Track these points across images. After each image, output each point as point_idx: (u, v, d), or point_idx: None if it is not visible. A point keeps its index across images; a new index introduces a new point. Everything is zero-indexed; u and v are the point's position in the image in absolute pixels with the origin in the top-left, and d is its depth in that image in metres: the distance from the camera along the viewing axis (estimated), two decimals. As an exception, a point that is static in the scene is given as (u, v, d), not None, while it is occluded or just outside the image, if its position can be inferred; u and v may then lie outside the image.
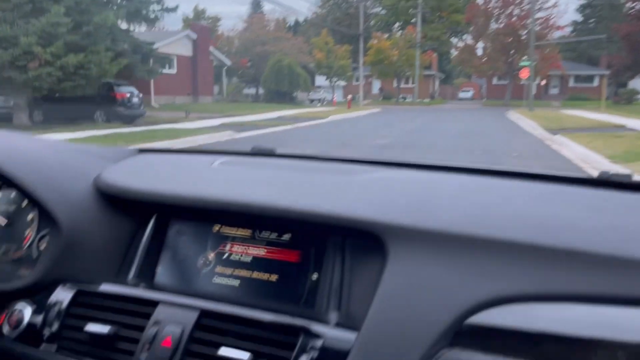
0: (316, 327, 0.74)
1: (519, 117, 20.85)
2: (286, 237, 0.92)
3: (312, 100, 40.53)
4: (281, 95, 35.24)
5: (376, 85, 49.88)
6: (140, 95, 17.24)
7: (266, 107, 26.77)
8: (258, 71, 36.57)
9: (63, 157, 1.03)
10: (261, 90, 37.61)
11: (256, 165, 1.16)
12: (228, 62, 34.23)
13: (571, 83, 44.23)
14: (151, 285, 0.93)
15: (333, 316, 0.81)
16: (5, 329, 0.86)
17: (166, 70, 25.95)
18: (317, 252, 0.89)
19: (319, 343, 0.73)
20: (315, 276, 0.88)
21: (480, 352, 0.70)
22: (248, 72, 38.46)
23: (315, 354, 0.72)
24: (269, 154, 1.33)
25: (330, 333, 0.74)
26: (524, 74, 28.44)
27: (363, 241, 0.85)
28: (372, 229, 0.81)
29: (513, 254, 0.74)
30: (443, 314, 0.71)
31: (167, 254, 0.97)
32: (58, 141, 1.15)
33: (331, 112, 23.37)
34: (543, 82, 40.66)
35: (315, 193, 0.91)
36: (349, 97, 33.77)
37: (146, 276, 0.95)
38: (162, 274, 0.96)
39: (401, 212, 0.83)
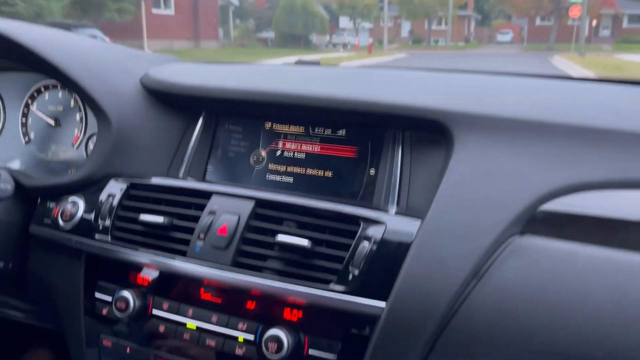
0: (377, 215, 0.71)
1: (568, 65, 16.77)
2: (341, 132, 0.87)
3: (334, 45, 37.14)
4: (295, 39, 31.16)
5: (406, 28, 46.45)
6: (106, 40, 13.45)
7: (276, 53, 22.46)
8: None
9: (111, 56, 1.00)
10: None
11: (305, 68, 1.11)
12: (236, 2, 30.44)
13: (625, 23, 39.84)
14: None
15: (392, 210, 0.78)
16: (60, 221, 0.86)
17: (161, 11, 22.50)
18: (374, 147, 0.85)
19: (380, 230, 0.69)
20: (372, 171, 0.84)
21: (553, 239, 0.66)
22: (266, 13, 35.66)
23: (377, 240, 0.69)
24: (315, 63, 1.27)
25: (393, 220, 0.70)
26: (575, 12, 25.76)
27: (424, 133, 0.81)
28: (437, 118, 0.76)
29: (590, 140, 0.69)
30: (515, 201, 0.67)
31: (218, 151, 0.95)
32: (105, 42, 1.11)
33: (345, 59, 20.74)
34: (594, 23, 37.64)
35: (374, 85, 0.86)
36: (370, 40, 29.99)
37: (196, 174, 0.93)
38: (213, 171, 0.94)
39: (467, 99, 0.78)
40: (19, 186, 0.88)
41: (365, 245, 0.68)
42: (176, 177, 0.92)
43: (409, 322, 0.64)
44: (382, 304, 0.65)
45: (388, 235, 0.69)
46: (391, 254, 0.68)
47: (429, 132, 0.80)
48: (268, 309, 0.72)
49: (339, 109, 0.83)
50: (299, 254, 0.72)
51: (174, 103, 0.96)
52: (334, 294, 0.67)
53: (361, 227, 0.70)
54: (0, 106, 1.08)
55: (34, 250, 0.91)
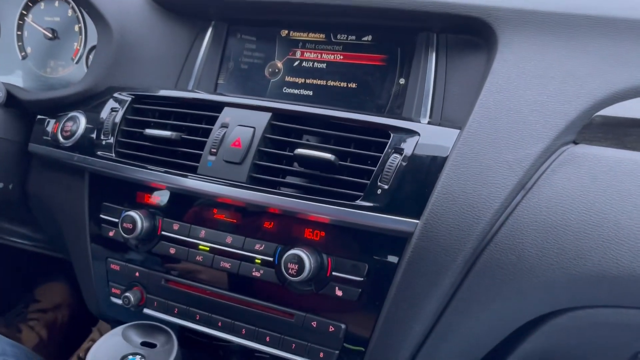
0: (409, 125, 0.63)
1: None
2: (367, 38, 0.78)
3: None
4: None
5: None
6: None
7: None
8: None
9: None
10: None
11: None
12: None
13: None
14: None
15: (424, 121, 0.69)
16: (60, 138, 0.79)
17: None
18: (404, 54, 0.76)
19: (413, 141, 0.61)
20: (402, 80, 0.75)
21: (611, 147, 0.58)
22: None
23: (409, 152, 0.60)
24: None
25: (427, 130, 0.62)
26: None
27: (462, 34, 0.71)
28: (478, 15, 0.66)
29: None
30: (569, 106, 0.58)
31: (229, 64, 0.86)
32: None
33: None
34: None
35: None
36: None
37: (206, 88, 0.85)
38: (224, 85, 0.86)
39: None
40: (15, 100, 0.80)
41: (396, 158, 0.61)
42: (181, 89, 0.84)
43: (446, 240, 0.57)
44: (414, 221, 0.58)
45: (422, 146, 0.61)
46: (425, 167, 0.60)
47: (467, 33, 0.70)
48: (287, 229, 0.65)
49: (367, 10, 0.73)
50: (321, 169, 0.64)
51: (182, 10, 0.87)
52: (361, 211, 0.60)
53: (391, 138, 0.62)
54: (-7, 18, 0.99)
55: (34, 170, 0.85)
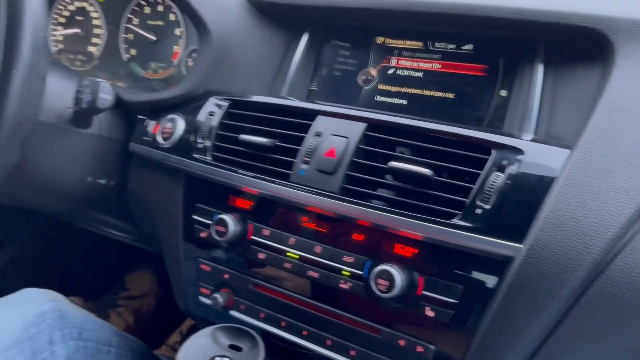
0: (514, 142, 0.59)
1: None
2: (468, 47, 0.75)
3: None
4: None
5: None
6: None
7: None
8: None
9: None
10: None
11: None
12: None
13: None
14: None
15: (527, 137, 0.65)
16: (159, 139, 0.82)
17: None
18: (508, 64, 0.72)
19: (517, 159, 0.58)
20: (503, 92, 0.71)
21: None
22: None
23: (512, 171, 0.57)
24: None
25: (533, 148, 0.58)
26: None
27: (574, 45, 0.67)
28: (594, 25, 0.62)
29: None
30: None
31: (322, 70, 0.86)
32: None
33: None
34: None
35: None
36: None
37: (299, 94, 0.86)
38: (317, 91, 0.86)
39: (632, 4, 0.62)
40: (119, 101, 0.84)
41: (498, 177, 0.58)
42: (275, 95, 0.84)
43: (551, 268, 0.53)
44: (517, 245, 0.55)
45: (527, 165, 0.57)
46: (530, 188, 0.56)
47: (580, 44, 0.66)
48: (378, 242, 0.64)
49: (468, 18, 0.70)
50: (416, 183, 0.62)
51: (278, 17, 0.88)
52: (459, 231, 0.57)
53: (493, 155, 0.59)
54: (103, 22, 1.05)
55: (134, 168, 0.88)
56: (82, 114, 0.75)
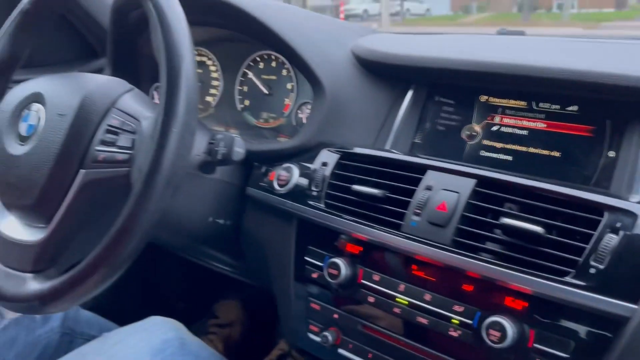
0: (627, 206, 0.62)
1: None
2: (572, 108, 0.78)
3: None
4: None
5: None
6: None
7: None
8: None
9: (324, 26, 1.02)
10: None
11: (515, 39, 1.02)
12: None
13: None
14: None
15: (635, 199, 0.67)
16: (275, 185, 0.90)
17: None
18: (615, 126, 0.75)
19: (631, 222, 0.60)
20: (611, 153, 0.74)
21: None
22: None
23: (627, 233, 0.60)
24: (519, 33, 1.17)
25: (648, 212, 0.61)
26: None
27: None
28: None
29: None
30: None
31: (426, 125, 0.92)
32: (313, 12, 1.14)
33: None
34: None
35: (615, 57, 0.76)
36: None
37: (403, 147, 0.91)
38: (420, 145, 0.91)
39: None
40: None
41: (612, 238, 0.60)
42: (382, 148, 0.91)
43: (669, 330, 0.55)
44: (632, 306, 0.57)
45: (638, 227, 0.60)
46: (645, 251, 0.59)
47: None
48: (488, 294, 0.68)
49: (573, 83, 0.74)
50: (527, 240, 0.66)
51: (385, 74, 0.95)
52: (572, 289, 0.60)
53: (606, 217, 0.62)
54: (220, 75, 1.16)
55: (249, 210, 0.97)
56: (214, 164, 0.84)
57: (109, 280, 0.64)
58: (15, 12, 0.81)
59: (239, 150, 0.81)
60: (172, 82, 0.64)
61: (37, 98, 0.74)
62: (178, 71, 0.64)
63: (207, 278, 1.60)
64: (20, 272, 0.71)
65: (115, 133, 0.68)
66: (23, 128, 0.73)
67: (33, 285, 0.68)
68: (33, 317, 0.99)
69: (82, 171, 0.68)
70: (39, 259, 0.70)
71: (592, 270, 0.60)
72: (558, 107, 0.80)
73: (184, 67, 0.64)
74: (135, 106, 0.71)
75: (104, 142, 0.68)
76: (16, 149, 0.72)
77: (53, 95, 0.72)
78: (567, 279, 0.61)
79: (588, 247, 0.61)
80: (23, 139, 0.72)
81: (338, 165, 0.86)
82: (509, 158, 0.82)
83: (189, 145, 0.65)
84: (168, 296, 1.58)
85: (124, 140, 0.68)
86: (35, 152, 0.70)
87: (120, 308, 1.45)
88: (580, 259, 0.61)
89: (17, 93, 0.76)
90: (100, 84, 0.73)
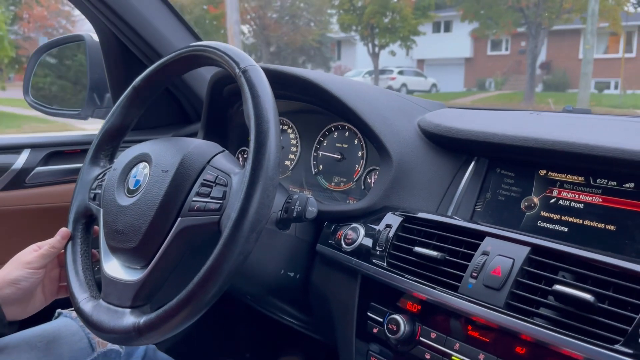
0: (677, 279, 0.65)
1: None
2: (629, 185, 0.82)
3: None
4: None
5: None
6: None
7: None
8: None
9: (393, 102, 1.12)
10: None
11: (579, 118, 1.07)
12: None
13: None
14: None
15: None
16: (343, 244, 0.98)
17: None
18: (670, 204, 0.78)
19: (680, 295, 0.63)
20: (667, 229, 0.77)
21: None
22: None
23: (676, 306, 0.63)
24: (586, 111, 1.22)
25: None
26: None
27: None
28: None
29: None
30: None
31: (487, 194, 0.98)
32: (383, 89, 1.25)
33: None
34: None
35: None
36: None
37: (464, 214, 0.98)
38: (481, 213, 0.97)
39: None
40: None
41: (660, 309, 0.63)
42: (444, 214, 0.97)
43: None
44: (680, 376, 0.59)
45: (690, 302, 0.63)
46: (694, 324, 0.61)
47: None
48: (539, 358, 0.71)
49: (630, 162, 0.79)
50: (578, 307, 0.69)
51: (449, 146, 1.03)
52: (620, 356, 0.63)
53: (655, 287, 0.65)
54: (298, 142, 1.29)
55: (318, 266, 1.05)
56: (290, 221, 0.94)
57: (197, 315, 0.73)
58: (129, 89, 0.97)
59: (312, 209, 0.91)
60: (259, 142, 0.74)
61: (145, 158, 0.87)
62: (266, 133, 0.74)
63: (274, 332, 1.68)
64: (119, 308, 0.80)
65: (209, 186, 0.79)
66: (131, 183, 0.86)
67: (130, 319, 0.78)
68: (119, 352, 1.10)
69: (180, 219, 0.79)
70: (137, 297, 0.80)
71: (641, 340, 0.63)
72: (615, 183, 0.84)
73: (270, 130, 0.74)
74: (227, 164, 0.83)
75: (199, 194, 0.79)
76: (125, 200, 0.84)
77: (158, 155, 0.85)
78: (617, 346, 0.64)
79: (638, 317, 0.64)
80: (131, 192, 0.84)
81: (401, 228, 0.93)
82: (565, 229, 0.86)
83: (271, 197, 0.74)
84: (237, 345, 1.66)
85: (216, 192, 0.78)
86: (141, 203, 0.82)
87: (194, 352, 1.55)
88: (630, 328, 0.64)
89: (128, 154, 0.90)
90: (198, 145, 0.85)
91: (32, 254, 0.93)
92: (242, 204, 0.71)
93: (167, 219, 0.79)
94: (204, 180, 0.80)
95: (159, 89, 0.97)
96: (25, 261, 0.92)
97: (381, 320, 0.88)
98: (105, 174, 0.94)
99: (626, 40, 20.12)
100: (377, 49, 21.68)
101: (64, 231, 0.95)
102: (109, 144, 0.99)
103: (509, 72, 22.18)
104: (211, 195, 0.78)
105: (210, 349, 1.41)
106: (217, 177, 0.80)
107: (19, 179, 1.31)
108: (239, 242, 0.70)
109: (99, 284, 0.88)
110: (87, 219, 0.96)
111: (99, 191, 0.92)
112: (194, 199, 0.79)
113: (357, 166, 1.16)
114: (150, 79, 0.94)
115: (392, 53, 22.35)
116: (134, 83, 0.95)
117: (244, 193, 0.71)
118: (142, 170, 0.86)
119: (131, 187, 0.85)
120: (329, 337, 1.05)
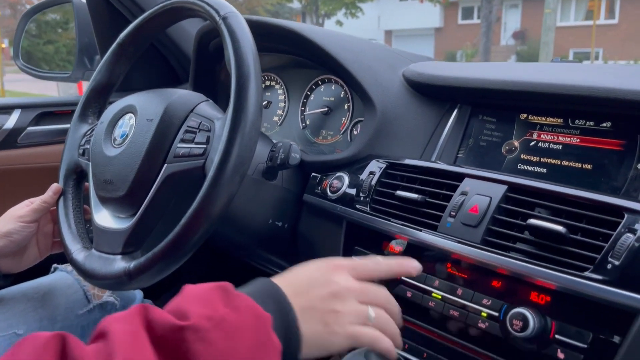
0: (646, 208, 0.67)
1: None
2: (606, 124, 0.84)
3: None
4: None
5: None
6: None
7: None
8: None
9: (376, 52, 1.13)
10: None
11: (564, 65, 1.08)
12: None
13: None
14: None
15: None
16: (328, 192, 1.00)
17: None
18: (645, 141, 0.79)
19: (648, 223, 0.65)
20: (640, 165, 0.78)
21: None
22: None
23: (643, 233, 0.64)
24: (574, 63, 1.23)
25: (665, 215, 0.65)
26: None
27: None
28: None
29: None
30: None
31: (469, 140, 0.99)
32: (368, 40, 1.25)
33: None
34: None
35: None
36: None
37: (447, 160, 0.99)
38: (463, 159, 0.99)
39: None
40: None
41: (629, 237, 0.65)
42: (427, 160, 0.99)
43: (678, 321, 0.59)
44: (644, 298, 0.61)
45: (658, 229, 0.64)
46: (660, 249, 0.63)
47: None
48: (514, 289, 0.73)
49: (606, 100, 0.80)
50: (551, 239, 0.71)
51: (432, 94, 1.04)
52: (590, 282, 0.65)
53: (625, 218, 0.67)
54: (286, 97, 1.29)
55: (305, 215, 1.07)
56: (274, 169, 0.95)
57: (184, 258, 0.75)
58: (114, 45, 0.97)
59: (295, 155, 0.92)
60: (240, 85, 0.75)
61: (130, 109, 0.88)
62: (247, 77, 0.75)
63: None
64: (110, 255, 0.83)
65: (193, 132, 0.80)
66: (118, 134, 0.87)
67: (121, 264, 0.80)
68: (114, 304, 1.13)
69: (166, 165, 0.80)
70: (127, 243, 0.82)
71: (609, 266, 0.65)
72: (592, 123, 0.85)
73: (250, 73, 0.75)
74: (210, 111, 0.84)
75: (183, 140, 0.80)
76: (112, 151, 0.86)
77: (143, 106, 0.86)
78: (586, 273, 0.66)
79: (606, 245, 0.66)
80: (118, 143, 0.86)
81: (384, 174, 0.95)
82: (544, 170, 0.88)
83: (254, 139, 0.75)
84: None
85: (200, 137, 0.80)
86: (128, 152, 0.83)
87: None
88: (599, 256, 0.66)
89: (114, 107, 0.91)
90: (182, 94, 0.86)
91: (24, 208, 0.95)
92: (224, 147, 0.72)
93: (153, 166, 0.80)
94: (188, 127, 0.81)
95: (144, 44, 0.97)
96: (17, 215, 0.93)
97: (365, 263, 0.91)
98: (93, 130, 0.96)
99: (608, 6, 19.31)
100: (320, 20, 20.63)
101: (55, 187, 0.97)
102: (97, 101, 1.00)
103: (478, 42, 20.09)
104: (195, 140, 0.80)
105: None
106: (200, 123, 0.81)
107: (11, 139, 1.32)
108: (223, 183, 0.72)
109: (91, 237, 0.90)
110: (78, 175, 0.97)
111: (88, 146, 0.94)
112: (179, 145, 0.80)
113: (343, 119, 1.17)
114: (134, 34, 0.95)
115: (339, 23, 21.04)
116: (118, 39, 0.96)
117: (226, 136, 0.72)
118: (127, 121, 0.87)
119: (118, 138, 0.86)
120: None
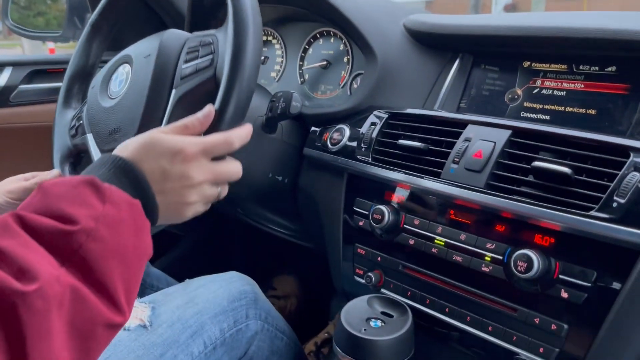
0: (652, 147, 0.66)
1: None
2: (611, 69, 0.83)
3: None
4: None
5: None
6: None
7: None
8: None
9: (377, 2, 1.10)
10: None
11: (568, 13, 1.06)
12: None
13: None
14: None
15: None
16: (329, 145, 0.99)
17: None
18: (651, 83, 0.78)
19: (655, 162, 0.65)
20: (645, 108, 0.78)
21: None
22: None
23: (649, 172, 0.64)
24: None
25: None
26: None
27: None
28: None
29: None
30: None
31: (472, 90, 0.98)
32: None
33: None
34: None
35: None
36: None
37: (449, 110, 0.98)
38: (465, 109, 0.98)
39: None
40: (298, 113, 1.03)
41: (635, 176, 0.65)
42: (429, 109, 0.98)
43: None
44: (650, 234, 0.61)
45: (664, 167, 0.64)
46: (666, 186, 0.63)
47: None
48: (518, 232, 0.73)
49: (611, 42, 0.78)
50: (556, 181, 0.71)
51: (434, 44, 1.02)
52: (595, 221, 0.65)
53: (631, 157, 0.66)
54: (283, 53, 1.27)
55: (305, 169, 1.06)
56: (274, 120, 0.93)
57: None
58: (87, 26, 0.92)
59: (296, 104, 0.91)
60: (239, 42, 0.70)
61: (124, 59, 0.84)
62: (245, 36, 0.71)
63: (268, 253, 1.71)
64: None
65: (196, 50, 0.75)
66: (114, 85, 0.83)
67: None
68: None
69: (174, 90, 0.74)
70: None
71: (614, 205, 0.65)
72: (597, 68, 0.84)
73: None
74: (207, 31, 0.78)
75: (187, 60, 0.75)
76: (110, 102, 0.82)
77: (137, 51, 0.81)
78: (592, 212, 0.66)
79: (612, 184, 0.66)
80: (115, 92, 0.82)
81: (386, 124, 0.93)
82: (547, 117, 0.87)
83: (251, 89, 0.70)
84: (231, 265, 1.70)
85: (204, 50, 0.74)
86: (130, 93, 0.78)
87: (186, 271, 1.59)
88: (604, 195, 0.66)
89: (104, 68, 0.86)
90: (174, 30, 0.81)
91: (15, 183, 0.90)
92: (234, 46, 0.68)
93: (160, 97, 0.75)
94: (189, 48, 0.76)
95: (118, 20, 0.92)
96: (6, 189, 0.89)
97: (367, 213, 0.90)
98: (81, 111, 0.92)
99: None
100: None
101: (55, 173, 0.92)
102: (78, 85, 0.95)
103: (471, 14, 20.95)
104: (200, 55, 0.74)
105: (204, 268, 1.44)
106: (200, 40, 0.76)
107: (3, 97, 1.30)
108: (243, 78, 0.68)
109: None
110: (74, 158, 0.94)
111: (79, 122, 0.90)
112: (184, 66, 0.75)
113: (342, 72, 1.16)
114: (104, 13, 0.90)
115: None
116: (90, 20, 0.92)
117: (233, 36, 0.68)
118: (122, 70, 0.84)
119: (115, 88, 0.83)
120: (318, 243, 1.07)
